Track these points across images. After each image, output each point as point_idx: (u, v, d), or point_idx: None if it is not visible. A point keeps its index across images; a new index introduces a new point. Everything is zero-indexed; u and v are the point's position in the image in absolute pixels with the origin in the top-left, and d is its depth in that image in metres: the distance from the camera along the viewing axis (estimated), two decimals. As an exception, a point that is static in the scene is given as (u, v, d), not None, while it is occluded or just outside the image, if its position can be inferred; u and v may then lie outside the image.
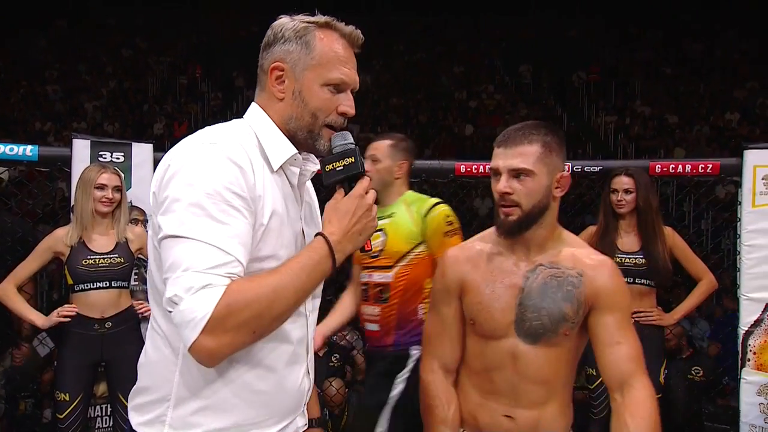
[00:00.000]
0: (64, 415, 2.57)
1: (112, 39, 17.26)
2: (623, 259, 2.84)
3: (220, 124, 1.16)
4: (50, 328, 2.89)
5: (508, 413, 1.46)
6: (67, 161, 2.82)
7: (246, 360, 1.09)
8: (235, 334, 0.99)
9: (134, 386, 1.19)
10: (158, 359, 1.12)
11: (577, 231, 3.10)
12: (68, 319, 2.55)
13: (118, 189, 2.62)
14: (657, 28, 17.40)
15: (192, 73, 15.78)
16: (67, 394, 2.57)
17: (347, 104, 1.17)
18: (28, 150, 2.71)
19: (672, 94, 14.69)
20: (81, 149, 2.84)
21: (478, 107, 14.90)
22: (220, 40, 17.42)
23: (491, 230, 1.54)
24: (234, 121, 1.18)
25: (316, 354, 1.53)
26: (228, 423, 1.10)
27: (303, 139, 1.17)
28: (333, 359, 4.28)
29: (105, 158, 2.86)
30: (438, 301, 1.57)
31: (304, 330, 1.20)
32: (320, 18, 1.16)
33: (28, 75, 14.85)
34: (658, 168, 3.10)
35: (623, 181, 2.84)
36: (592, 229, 2.98)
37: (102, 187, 2.58)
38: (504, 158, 1.41)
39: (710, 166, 3.09)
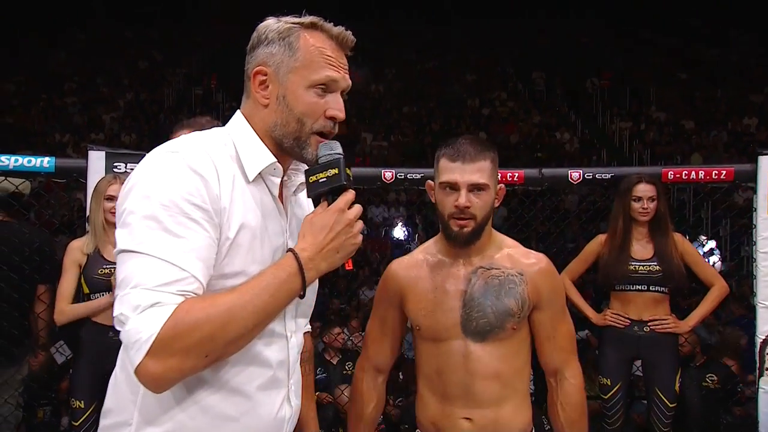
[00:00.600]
0: (79, 422, 2.59)
1: (128, 52, 17.60)
2: (637, 267, 2.82)
3: (194, 133, 1.09)
4: (67, 337, 2.91)
5: (466, 415, 1.50)
6: (83, 172, 2.85)
7: (214, 383, 1.02)
8: (183, 358, 0.91)
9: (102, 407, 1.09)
10: (123, 379, 1.03)
11: (590, 238, 3.08)
12: None
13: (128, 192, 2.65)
14: (670, 33, 17.28)
15: (207, 84, 16.00)
16: (82, 402, 2.60)
17: (336, 107, 1.08)
18: (45, 162, 2.76)
19: (687, 99, 14.56)
20: (96, 161, 2.88)
21: (491, 114, 14.89)
22: (234, 52, 17.61)
23: (431, 241, 1.64)
24: (214, 129, 1.11)
25: (329, 362, 1.56)
26: None
27: (290, 148, 1.08)
28: (347, 367, 4.28)
29: (120, 169, 2.89)
30: (379, 308, 1.66)
31: (285, 353, 1.10)
32: (306, 18, 1.09)
33: (47, 88, 15.17)
34: (670, 175, 3.06)
35: (647, 189, 2.81)
36: (601, 238, 2.95)
37: (111, 198, 2.61)
38: (462, 173, 1.46)
39: (724, 172, 3.05)
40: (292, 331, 1.13)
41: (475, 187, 1.46)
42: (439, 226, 1.57)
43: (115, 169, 2.89)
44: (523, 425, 1.54)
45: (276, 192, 1.10)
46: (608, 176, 3.14)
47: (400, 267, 1.62)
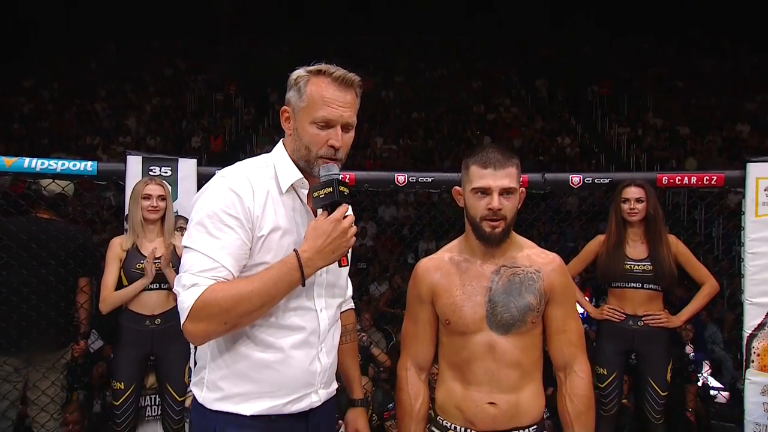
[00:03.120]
0: (119, 401, 2.71)
1: (154, 60, 17.78)
2: (632, 266, 2.89)
3: (253, 158, 1.41)
4: (100, 327, 3.00)
5: (491, 400, 1.55)
6: (122, 175, 2.97)
7: (259, 341, 1.31)
8: (208, 323, 1.22)
9: None
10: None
11: (590, 238, 3.15)
12: None
13: (162, 198, 2.76)
14: (669, 43, 17.21)
15: (227, 90, 16.14)
16: (122, 383, 2.71)
17: (334, 138, 1.31)
18: (89, 165, 2.87)
19: (684, 106, 14.49)
20: (134, 164, 2.99)
21: (496, 120, 14.91)
22: (253, 60, 17.80)
23: (456, 241, 1.69)
24: (263, 155, 1.41)
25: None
26: (243, 390, 1.32)
27: (304, 167, 1.35)
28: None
29: (154, 172, 3.00)
30: (412, 307, 1.69)
31: (315, 323, 1.36)
32: (315, 67, 1.33)
33: (80, 95, 15.39)
34: (665, 180, 3.12)
35: (635, 191, 2.89)
36: (600, 238, 3.02)
37: (148, 197, 2.73)
38: (494, 179, 1.52)
39: (715, 177, 3.11)
40: (322, 308, 1.39)
41: (506, 191, 1.53)
42: (466, 228, 1.62)
43: (150, 172, 3.00)
44: (539, 409, 1.60)
45: (305, 200, 1.38)
46: (607, 181, 3.20)
47: (428, 265, 1.67)
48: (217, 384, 1.33)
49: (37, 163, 2.76)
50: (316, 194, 1.29)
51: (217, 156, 12.37)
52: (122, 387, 2.71)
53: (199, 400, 1.36)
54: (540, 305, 1.57)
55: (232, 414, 1.31)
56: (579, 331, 1.63)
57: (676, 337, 3.82)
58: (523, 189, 1.62)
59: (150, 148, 12.55)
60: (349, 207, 1.32)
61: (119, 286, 2.74)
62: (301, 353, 1.34)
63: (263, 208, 1.30)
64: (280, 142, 1.42)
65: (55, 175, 2.82)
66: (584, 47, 17.83)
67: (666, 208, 9.21)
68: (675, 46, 17.06)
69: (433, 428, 1.67)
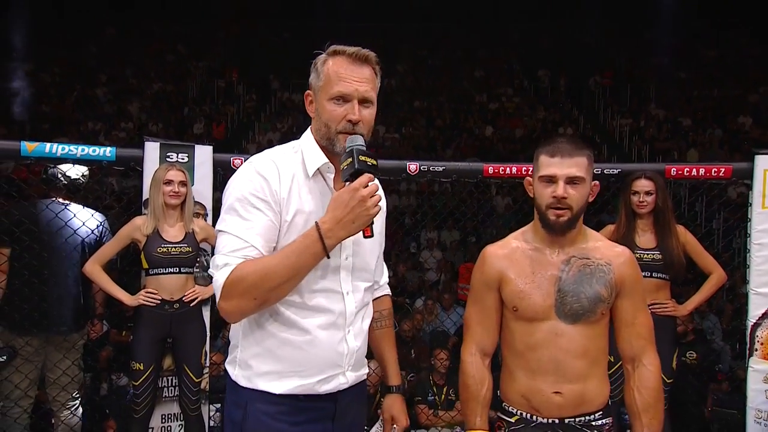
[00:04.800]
0: (139, 381, 2.77)
1: (156, 45, 17.65)
2: (641, 255, 2.94)
3: (282, 145, 1.45)
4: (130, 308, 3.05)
5: (556, 389, 1.56)
6: (140, 161, 3.00)
7: (285, 321, 1.35)
8: (239, 299, 1.26)
9: None
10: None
11: (595, 229, 3.20)
12: (151, 303, 2.76)
13: (183, 184, 2.81)
14: (672, 34, 17.15)
15: (229, 76, 16.06)
16: (141, 364, 2.77)
17: (351, 112, 1.33)
18: (108, 151, 2.90)
19: (686, 97, 14.51)
20: (151, 151, 3.03)
21: (498, 109, 14.90)
22: (255, 46, 17.70)
23: (525, 229, 1.70)
24: (292, 141, 1.45)
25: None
26: (272, 368, 1.36)
27: (327, 146, 1.37)
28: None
29: (171, 158, 3.04)
30: (478, 292, 1.69)
31: (342, 305, 1.38)
32: (332, 48, 1.38)
33: (81, 80, 15.29)
34: (673, 171, 3.17)
35: (644, 184, 2.93)
36: (610, 228, 3.08)
37: (169, 182, 2.78)
38: (561, 167, 1.54)
39: (723, 169, 3.16)
40: (349, 291, 1.41)
41: (572, 180, 1.53)
42: (535, 217, 1.64)
43: (167, 159, 3.04)
44: (604, 398, 1.61)
45: (332, 184, 1.40)
46: (616, 171, 3.25)
47: (497, 252, 1.67)
48: (248, 362, 1.37)
49: (57, 149, 2.79)
50: (342, 167, 1.28)
51: (219, 143, 12.36)
52: (141, 368, 2.77)
53: (232, 377, 1.41)
54: (610, 297, 1.58)
55: (262, 392, 1.35)
56: (648, 324, 1.63)
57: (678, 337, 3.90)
58: (596, 182, 1.61)
59: (152, 134, 12.53)
60: (375, 178, 1.28)
61: (139, 267, 2.79)
62: (327, 334, 1.36)
63: (289, 191, 1.33)
64: (309, 128, 1.44)
65: (75, 160, 2.86)
66: (586, 37, 17.77)
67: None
68: (677, 37, 17.02)
69: (500, 414, 1.68)
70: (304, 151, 1.39)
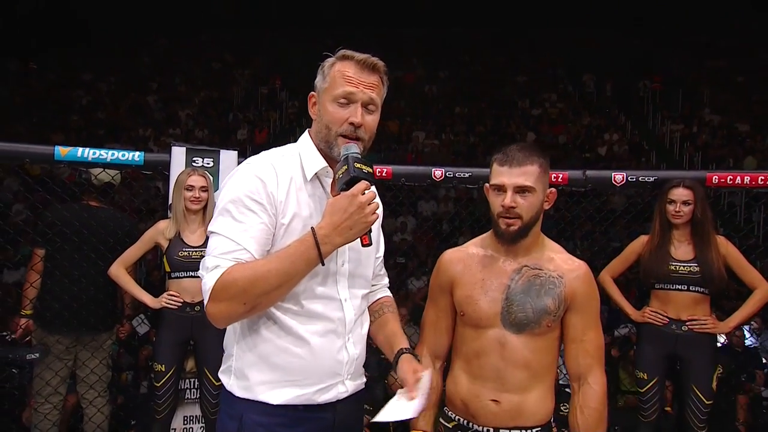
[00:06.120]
0: (160, 383, 2.82)
1: (203, 54, 18.28)
2: (678, 267, 2.77)
3: (279, 147, 1.41)
4: (147, 312, 3.17)
5: (494, 398, 1.54)
6: (167, 165, 3.07)
7: (284, 328, 1.31)
8: (228, 303, 1.21)
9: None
10: (230, 328, 1.39)
11: (635, 238, 3.02)
12: (173, 306, 2.80)
13: (204, 189, 2.84)
14: (730, 36, 16.33)
15: (272, 83, 16.42)
16: (163, 366, 2.82)
17: (354, 114, 1.30)
18: (136, 156, 2.98)
19: (744, 102, 13.75)
20: (178, 155, 3.09)
21: (541, 115, 14.57)
22: (297, 54, 18.04)
23: (484, 236, 1.69)
24: (289, 144, 1.42)
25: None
26: (269, 377, 1.31)
27: (326, 150, 1.34)
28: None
29: (197, 163, 3.09)
30: (433, 295, 1.71)
31: (341, 313, 1.35)
32: (341, 52, 1.35)
33: (134, 88, 16.01)
34: (715, 179, 2.98)
35: (682, 193, 2.77)
36: (643, 238, 2.91)
37: (190, 188, 2.82)
38: (509, 176, 1.52)
39: (771, 177, 2.94)
40: (347, 298, 1.37)
41: (521, 189, 1.51)
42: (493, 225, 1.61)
43: (193, 163, 3.09)
44: (544, 414, 1.57)
45: (329, 190, 1.36)
46: (652, 179, 3.08)
47: (452, 257, 1.68)
48: (243, 372, 1.33)
49: (89, 153, 2.89)
50: (336, 176, 1.25)
51: (261, 148, 12.49)
52: (163, 369, 2.82)
53: (227, 387, 1.36)
54: (558, 310, 1.55)
55: (258, 402, 1.30)
56: (598, 343, 1.60)
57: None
58: (552, 189, 1.60)
59: (198, 140, 12.95)
60: (372, 186, 1.25)
61: (161, 271, 2.85)
62: (326, 342, 1.33)
63: (286, 194, 1.30)
64: (306, 131, 1.42)
65: (106, 165, 2.94)
66: (635, 40, 17.16)
67: (721, 208, 8.83)
68: (734, 38, 16.18)
69: (440, 418, 1.67)
70: (302, 155, 1.37)
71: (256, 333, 1.32)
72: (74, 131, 13.45)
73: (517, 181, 1.51)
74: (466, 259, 1.65)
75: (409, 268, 8.38)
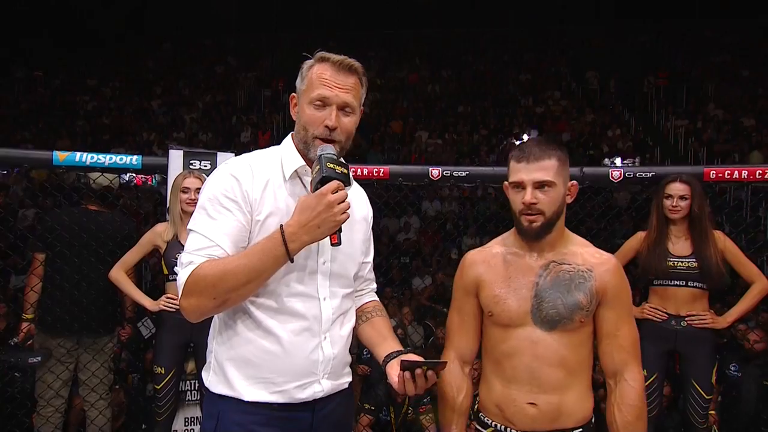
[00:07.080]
0: (160, 385, 2.84)
1: (207, 58, 18.37)
2: (675, 262, 2.76)
3: (265, 148, 1.44)
4: (153, 313, 3.17)
5: (531, 400, 1.48)
6: (165, 169, 3.09)
7: (258, 326, 1.32)
8: (198, 298, 1.24)
9: None
10: (212, 324, 1.43)
11: (630, 234, 3.02)
12: (172, 309, 2.81)
13: (200, 191, 2.85)
14: (734, 31, 16.20)
15: (275, 86, 16.47)
16: (163, 368, 2.83)
17: (329, 118, 1.33)
18: (134, 159, 3.01)
19: (749, 97, 13.63)
20: (175, 158, 3.11)
21: (544, 113, 14.52)
22: (300, 56, 18.04)
23: (507, 234, 1.65)
24: (273, 146, 1.45)
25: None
26: (246, 373, 1.32)
27: (303, 150, 1.38)
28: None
29: (194, 166, 3.11)
30: (458, 298, 1.66)
31: (318, 311, 1.35)
32: (320, 54, 1.37)
33: (138, 92, 16.10)
34: (712, 174, 2.96)
35: (678, 188, 2.76)
36: (641, 234, 2.90)
37: (186, 190, 2.83)
38: (527, 172, 1.49)
39: (769, 172, 2.92)
40: (326, 296, 1.38)
41: (541, 185, 1.48)
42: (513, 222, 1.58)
43: (190, 166, 3.11)
44: (584, 413, 1.52)
45: (309, 188, 1.36)
46: (650, 175, 3.06)
47: (474, 257, 1.64)
48: (221, 368, 1.35)
49: (87, 158, 2.92)
50: (312, 175, 1.28)
51: (264, 150, 12.63)
52: (163, 371, 2.83)
53: (206, 384, 1.38)
54: (590, 305, 1.50)
55: (235, 400, 1.32)
56: (632, 337, 1.54)
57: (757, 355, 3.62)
58: (574, 183, 1.56)
59: (202, 143, 13.01)
60: (346, 186, 1.27)
61: (159, 273, 2.86)
62: (300, 340, 1.33)
63: (262, 192, 1.32)
64: (290, 133, 1.45)
65: (104, 169, 2.97)
66: (640, 36, 17.06)
67: (726, 203, 8.75)
68: (740, 33, 16.05)
69: (476, 424, 1.62)
70: (283, 154, 1.40)
71: (231, 329, 1.34)
72: (80, 136, 13.57)
73: (535, 176, 1.48)
74: (490, 259, 1.60)
75: (414, 267, 8.38)
